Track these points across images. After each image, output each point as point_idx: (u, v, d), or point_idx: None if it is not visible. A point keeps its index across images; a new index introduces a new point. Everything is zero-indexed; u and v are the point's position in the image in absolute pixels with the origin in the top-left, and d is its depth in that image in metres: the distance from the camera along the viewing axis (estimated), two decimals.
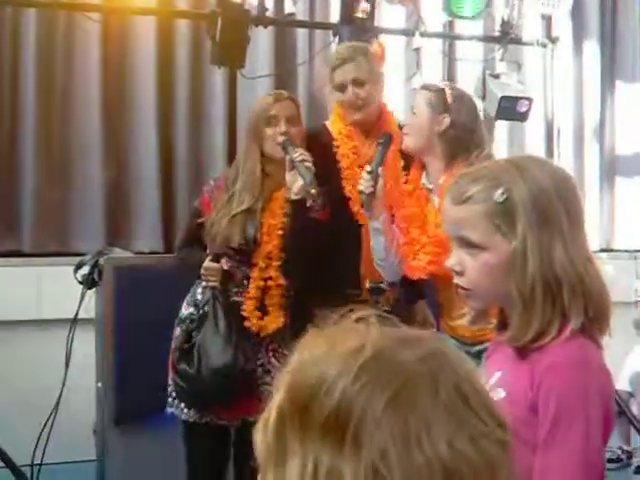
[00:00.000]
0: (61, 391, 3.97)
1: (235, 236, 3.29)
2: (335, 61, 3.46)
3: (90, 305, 4.00)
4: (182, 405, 3.30)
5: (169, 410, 3.35)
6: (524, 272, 1.59)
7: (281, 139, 3.29)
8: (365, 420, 0.84)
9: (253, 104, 3.46)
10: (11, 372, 4.65)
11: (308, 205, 3.25)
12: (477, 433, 0.87)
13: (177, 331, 3.39)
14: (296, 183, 3.23)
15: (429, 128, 3.12)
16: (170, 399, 3.36)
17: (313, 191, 3.16)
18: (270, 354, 3.35)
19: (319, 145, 3.46)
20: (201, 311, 3.31)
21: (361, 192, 3.10)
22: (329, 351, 0.89)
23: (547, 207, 1.61)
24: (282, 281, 3.33)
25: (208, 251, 3.37)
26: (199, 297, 3.36)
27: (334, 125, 3.50)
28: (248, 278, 3.32)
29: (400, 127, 3.43)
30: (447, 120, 3.13)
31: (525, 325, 1.60)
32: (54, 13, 4.90)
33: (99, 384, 4.03)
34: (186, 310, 3.39)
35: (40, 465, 4.14)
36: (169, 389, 3.37)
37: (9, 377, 4.64)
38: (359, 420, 0.84)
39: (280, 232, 3.33)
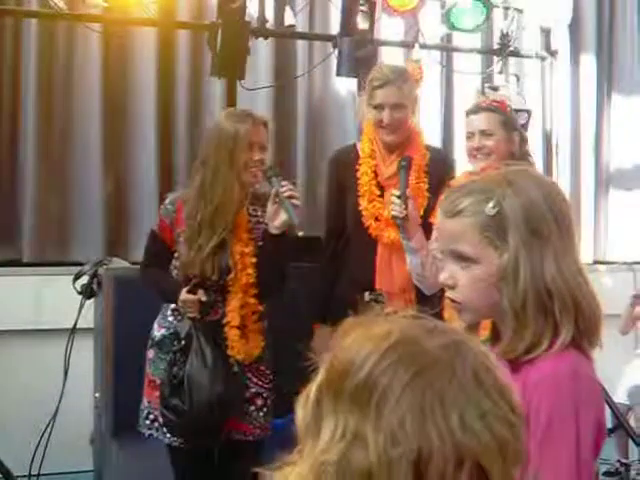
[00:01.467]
0: (59, 401, 3.97)
1: (209, 269, 3.25)
2: (377, 81, 3.51)
3: (89, 315, 4.00)
4: (165, 429, 3.29)
5: (147, 432, 3.34)
6: (516, 285, 1.60)
7: (266, 169, 3.24)
8: (388, 393, 0.96)
9: (222, 124, 3.29)
10: (9, 382, 4.65)
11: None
12: (488, 412, 0.96)
13: (150, 353, 3.37)
14: (279, 217, 3.19)
15: (506, 149, 3.21)
16: (148, 422, 3.34)
17: (300, 233, 3.21)
18: (248, 373, 3.34)
19: (345, 164, 3.59)
20: (183, 342, 3.28)
21: (395, 217, 3.16)
22: (362, 336, 1.02)
23: (538, 220, 1.62)
24: (260, 307, 3.32)
25: (180, 280, 3.33)
26: (170, 319, 3.34)
27: (362, 144, 3.60)
28: (221, 305, 3.31)
29: (427, 148, 3.55)
30: (517, 138, 3.23)
31: (517, 338, 1.60)
32: (55, 24, 4.91)
33: (97, 394, 4.04)
34: (158, 332, 3.35)
35: (38, 476, 4.15)
36: (144, 413, 3.35)
37: (7, 387, 4.63)
38: (383, 392, 0.96)
39: (253, 259, 3.30)
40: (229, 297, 3.27)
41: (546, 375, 1.57)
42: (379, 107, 3.52)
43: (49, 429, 4.04)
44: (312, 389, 1.03)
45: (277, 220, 3.20)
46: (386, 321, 1.04)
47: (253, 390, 3.32)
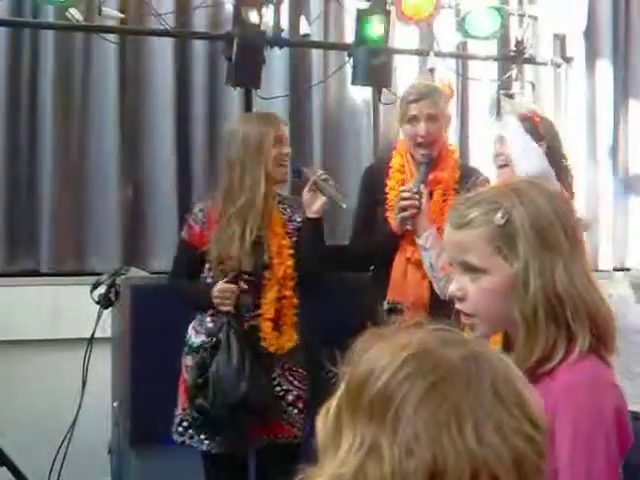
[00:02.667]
0: (77, 411, 3.98)
1: (246, 261, 3.29)
2: (411, 96, 3.53)
3: (106, 325, 4.01)
4: (202, 437, 3.30)
5: (180, 440, 3.35)
6: (526, 294, 1.60)
7: (296, 165, 3.39)
8: (404, 405, 0.96)
9: (244, 125, 3.44)
10: (27, 391, 4.66)
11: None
12: (505, 425, 0.95)
13: (188, 360, 3.38)
14: (317, 202, 3.33)
15: None
16: (181, 428, 3.35)
17: (344, 205, 3.25)
18: (286, 373, 3.36)
19: (376, 178, 3.64)
20: (214, 339, 3.29)
21: (402, 210, 3.23)
22: (381, 347, 1.02)
23: (547, 229, 1.62)
24: (295, 300, 3.35)
25: (212, 274, 3.35)
26: (210, 325, 3.36)
27: (394, 160, 3.63)
28: (256, 301, 3.33)
29: (460, 166, 3.62)
30: (544, 147, 3.24)
31: (529, 347, 1.60)
32: (72, 35, 4.94)
33: (115, 404, 4.04)
34: (197, 338, 3.38)
35: None
36: (178, 419, 3.36)
37: (25, 396, 4.65)
38: (399, 404, 0.96)
39: (291, 251, 3.36)
40: (265, 290, 3.31)
41: (569, 384, 1.57)
42: (414, 120, 3.51)
43: (67, 439, 4.06)
44: (332, 402, 1.03)
45: (315, 205, 3.36)
46: (404, 333, 1.04)
47: (295, 393, 3.35)
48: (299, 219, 3.46)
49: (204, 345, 3.31)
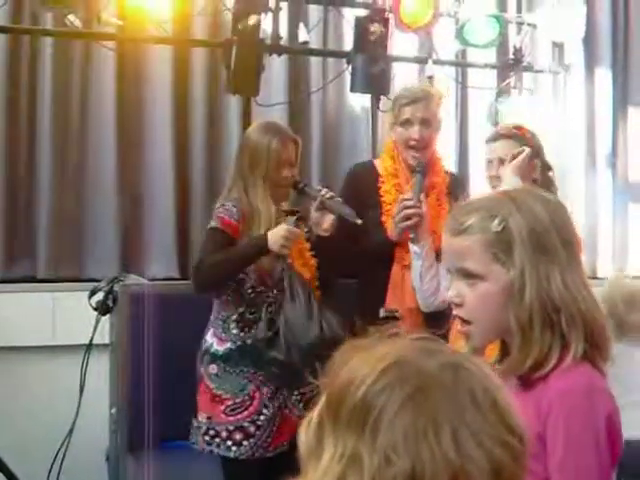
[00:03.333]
0: (75, 417, 3.98)
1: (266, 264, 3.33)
2: (404, 99, 3.53)
3: (104, 331, 4.01)
4: (229, 443, 3.31)
5: (207, 449, 3.35)
6: (522, 300, 1.62)
7: (295, 182, 3.43)
8: (383, 415, 0.97)
9: (255, 139, 3.45)
10: (24, 398, 4.66)
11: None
12: (483, 434, 0.97)
13: (212, 368, 3.39)
14: (326, 220, 3.37)
15: (529, 177, 3.16)
16: (208, 437, 3.35)
17: (359, 221, 3.29)
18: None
19: (366, 180, 3.57)
20: (275, 291, 3.34)
21: (402, 218, 3.23)
22: (360, 358, 1.03)
23: (543, 236, 1.64)
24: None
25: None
26: (235, 331, 3.37)
27: (383, 162, 3.61)
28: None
29: (446, 173, 3.59)
30: (539, 165, 3.24)
31: (524, 353, 1.62)
32: (70, 42, 4.95)
33: (113, 410, 4.04)
34: (221, 346, 3.39)
35: None
36: (203, 428, 3.36)
37: (22, 403, 4.65)
38: (378, 414, 0.97)
39: (310, 253, 3.45)
40: None
41: (562, 391, 1.58)
42: (407, 123, 3.52)
43: (65, 445, 4.05)
44: (314, 413, 1.05)
45: (325, 223, 3.38)
46: (385, 343, 1.06)
47: (308, 397, 3.36)
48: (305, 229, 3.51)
49: (268, 300, 3.35)
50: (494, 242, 1.65)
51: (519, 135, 3.32)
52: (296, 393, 3.37)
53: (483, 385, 1.01)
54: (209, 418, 3.36)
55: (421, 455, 0.94)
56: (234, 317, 3.37)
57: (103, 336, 4.01)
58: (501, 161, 3.25)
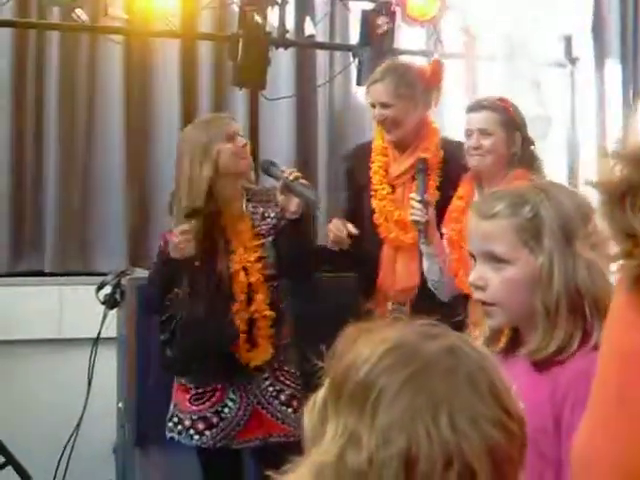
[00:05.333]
0: (82, 411, 3.99)
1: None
2: (370, 80, 3.53)
3: (112, 325, 4.02)
4: (192, 431, 3.32)
5: (169, 435, 3.37)
6: (550, 287, 1.66)
7: (262, 162, 3.37)
8: (382, 395, 1.00)
9: (188, 133, 3.39)
10: (32, 391, 4.67)
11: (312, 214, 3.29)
12: (479, 416, 0.99)
13: None
14: (293, 202, 3.22)
15: (506, 149, 3.20)
16: (171, 424, 3.38)
17: (319, 205, 3.21)
18: (277, 373, 3.36)
19: (360, 161, 3.56)
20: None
21: (417, 222, 3.17)
22: (363, 341, 1.06)
23: (570, 226, 1.67)
24: (268, 313, 3.33)
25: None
26: None
27: (376, 141, 3.59)
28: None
29: (444, 141, 3.52)
30: (519, 139, 3.20)
31: (548, 337, 1.65)
32: (77, 36, 4.95)
33: (120, 404, 4.05)
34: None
35: None
36: (169, 414, 3.39)
37: (30, 396, 4.66)
38: (378, 393, 1.00)
39: (258, 265, 3.31)
40: (233, 303, 3.29)
41: (580, 371, 1.59)
42: (372, 105, 3.54)
43: (72, 439, 4.06)
44: (319, 394, 1.08)
45: (292, 206, 3.23)
46: (386, 327, 1.09)
47: (288, 392, 3.35)
48: (273, 214, 3.36)
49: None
50: (524, 228, 1.69)
51: (501, 107, 3.28)
52: (271, 389, 3.35)
53: (481, 367, 1.03)
54: (175, 405, 3.38)
55: (417, 435, 0.97)
56: None
57: (110, 330, 4.02)
58: (481, 132, 3.23)
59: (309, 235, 3.35)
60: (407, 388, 1.00)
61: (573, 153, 5.78)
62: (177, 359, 3.27)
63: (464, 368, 1.02)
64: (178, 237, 3.17)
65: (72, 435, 4.06)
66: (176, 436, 3.36)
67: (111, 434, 4.21)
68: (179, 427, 3.35)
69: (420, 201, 3.22)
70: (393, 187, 3.55)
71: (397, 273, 3.50)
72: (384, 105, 3.49)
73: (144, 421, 3.89)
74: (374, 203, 3.53)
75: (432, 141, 3.57)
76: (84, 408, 3.99)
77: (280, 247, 3.31)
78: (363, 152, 3.66)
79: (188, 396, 3.33)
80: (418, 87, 3.56)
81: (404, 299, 3.47)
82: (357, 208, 3.64)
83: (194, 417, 3.32)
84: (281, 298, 3.38)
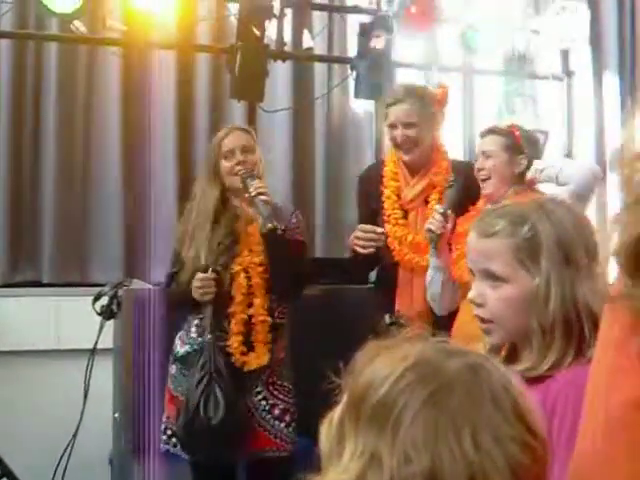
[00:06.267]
0: (79, 421, 3.99)
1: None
2: (389, 99, 3.55)
3: (108, 336, 4.02)
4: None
5: (164, 448, 3.37)
6: (546, 308, 1.66)
7: (240, 173, 3.35)
8: (404, 414, 0.98)
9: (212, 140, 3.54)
10: (29, 402, 4.67)
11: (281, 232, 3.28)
12: (502, 434, 0.97)
13: (172, 369, 3.40)
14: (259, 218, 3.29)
15: (509, 172, 3.28)
16: (165, 437, 3.37)
17: (270, 225, 3.20)
18: (270, 387, 3.36)
19: (371, 184, 3.61)
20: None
21: (430, 231, 3.19)
22: (382, 358, 1.04)
23: (569, 245, 1.68)
24: (266, 318, 3.34)
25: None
26: (194, 335, 3.38)
27: (387, 165, 3.62)
28: (228, 318, 3.32)
29: (453, 168, 3.57)
30: (524, 161, 3.26)
31: (542, 357, 1.66)
32: (75, 48, 4.96)
33: (116, 415, 4.05)
34: (182, 348, 3.40)
35: None
36: (162, 427, 3.39)
37: (27, 407, 4.65)
38: (399, 413, 0.98)
39: (260, 268, 3.33)
40: (231, 304, 3.31)
41: (568, 382, 1.61)
42: (392, 126, 3.54)
43: (69, 449, 4.06)
44: (336, 412, 1.06)
45: (259, 219, 3.29)
46: (407, 344, 1.07)
47: (281, 407, 3.34)
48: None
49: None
50: (522, 248, 1.69)
51: (507, 131, 3.36)
52: (264, 403, 3.35)
53: (504, 386, 1.02)
54: (168, 418, 3.37)
55: (440, 454, 0.95)
56: (195, 321, 3.38)
57: (107, 341, 4.02)
58: (484, 154, 3.31)
59: (280, 254, 3.33)
60: (428, 406, 0.98)
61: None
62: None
63: (486, 386, 1.01)
64: (198, 285, 3.27)
65: (68, 445, 4.05)
66: (171, 448, 3.36)
67: (107, 444, 4.21)
68: (173, 439, 3.35)
69: (442, 213, 3.26)
70: (406, 212, 3.58)
71: (413, 297, 3.51)
72: (409, 125, 3.51)
73: (140, 432, 3.89)
74: (387, 228, 3.53)
75: (442, 165, 3.63)
76: (80, 419, 3.99)
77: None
78: (375, 174, 3.68)
79: (178, 408, 3.32)
80: (435, 109, 3.63)
81: (423, 321, 3.47)
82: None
83: None
84: (279, 309, 3.40)
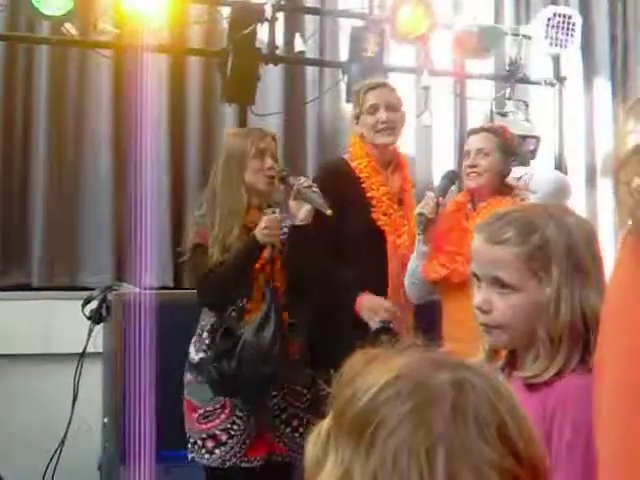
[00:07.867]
0: (68, 426, 3.97)
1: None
2: (367, 86, 3.55)
3: (98, 340, 4.01)
4: (203, 451, 3.30)
5: (190, 455, 3.35)
6: (557, 316, 1.66)
7: (279, 171, 3.38)
8: (380, 429, 0.91)
9: (230, 140, 3.50)
10: (18, 406, 4.65)
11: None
12: (483, 462, 0.89)
13: (188, 377, 3.37)
14: (302, 209, 3.30)
15: (501, 170, 3.32)
16: (189, 445, 3.35)
17: (329, 212, 3.22)
18: (285, 392, 3.36)
19: (339, 177, 3.54)
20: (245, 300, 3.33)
21: (421, 214, 3.20)
22: (369, 368, 0.99)
23: (579, 254, 1.68)
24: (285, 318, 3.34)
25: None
26: (207, 341, 3.35)
27: (354, 157, 3.57)
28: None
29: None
30: (514, 164, 3.36)
31: (546, 364, 1.66)
32: (66, 50, 4.95)
33: (106, 419, 4.03)
34: (196, 355, 3.37)
35: None
36: (187, 436, 3.36)
37: (15, 411, 4.64)
38: (375, 428, 0.91)
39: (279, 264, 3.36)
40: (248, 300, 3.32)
41: (568, 391, 1.61)
42: (373, 108, 3.52)
43: (57, 454, 4.04)
44: (324, 424, 1.01)
45: (301, 212, 3.30)
46: (396, 354, 1.01)
47: (290, 411, 3.34)
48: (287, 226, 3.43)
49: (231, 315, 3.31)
50: (534, 257, 1.68)
51: (500, 131, 3.41)
52: (275, 407, 3.34)
53: (492, 404, 0.94)
54: (189, 429, 3.36)
55: (410, 477, 0.88)
56: (208, 327, 3.36)
57: (96, 345, 4.01)
58: (479, 152, 3.32)
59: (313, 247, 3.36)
60: (405, 424, 0.90)
61: (561, 172, 5.79)
62: (236, 377, 3.22)
63: (471, 405, 0.92)
64: (267, 225, 3.24)
65: (57, 450, 4.04)
66: (196, 456, 3.34)
67: (96, 450, 4.19)
68: (195, 446, 3.33)
69: (435, 200, 3.30)
70: (399, 202, 3.58)
71: (403, 288, 3.50)
72: (392, 108, 3.54)
73: (129, 437, 3.87)
74: (383, 220, 3.51)
75: (406, 163, 3.71)
76: (69, 423, 3.98)
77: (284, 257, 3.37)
78: (344, 168, 3.62)
79: (196, 415, 3.31)
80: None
81: (407, 310, 3.49)
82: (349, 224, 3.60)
83: (203, 435, 3.30)
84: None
